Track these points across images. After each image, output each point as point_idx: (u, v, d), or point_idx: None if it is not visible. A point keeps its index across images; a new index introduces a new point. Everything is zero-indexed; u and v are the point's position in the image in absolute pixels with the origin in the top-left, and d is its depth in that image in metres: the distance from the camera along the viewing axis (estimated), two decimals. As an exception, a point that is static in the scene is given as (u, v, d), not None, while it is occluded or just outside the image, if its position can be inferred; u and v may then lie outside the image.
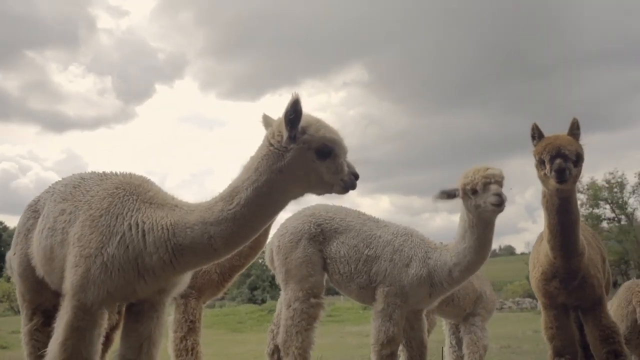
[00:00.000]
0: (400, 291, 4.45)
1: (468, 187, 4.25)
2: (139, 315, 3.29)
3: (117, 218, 3.13)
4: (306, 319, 4.69)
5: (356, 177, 3.07)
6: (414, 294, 4.49)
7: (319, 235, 4.80)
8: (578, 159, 4.58)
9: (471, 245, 4.32)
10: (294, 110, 2.88)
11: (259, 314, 29.76)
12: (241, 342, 18.45)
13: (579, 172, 4.63)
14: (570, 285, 4.88)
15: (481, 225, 4.30)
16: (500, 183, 4.23)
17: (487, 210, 4.20)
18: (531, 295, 32.87)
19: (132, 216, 3.12)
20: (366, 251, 4.62)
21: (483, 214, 4.25)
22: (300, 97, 2.86)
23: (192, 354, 5.63)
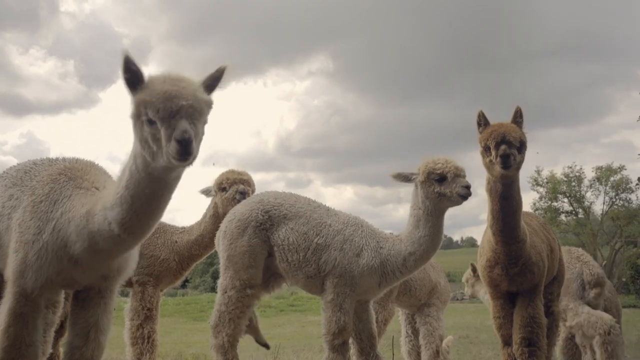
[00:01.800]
0: (350, 281, 4.45)
1: (436, 174, 4.30)
2: (85, 302, 3.26)
3: (54, 204, 3.10)
4: (240, 307, 4.70)
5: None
6: (364, 284, 4.49)
7: (267, 222, 4.73)
8: (522, 146, 4.71)
9: (427, 234, 4.38)
10: (128, 70, 2.74)
11: (221, 302, 29.59)
12: (202, 330, 18.34)
13: (522, 158, 4.75)
14: (512, 271, 4.99)
15: (437, 213, 4.37)
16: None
17: (451, 199, 4.29)
18: (491, 286, 33.34)
19: (64, 203, 3.09)
20: (316, 239, 4.58)
21: (444, 202, 4.33)
22: (129, 55, 2.72)
23: (148, 342, 5.61)
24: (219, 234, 4.98)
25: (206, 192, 5.95)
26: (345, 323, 4.45)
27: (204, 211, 5.96)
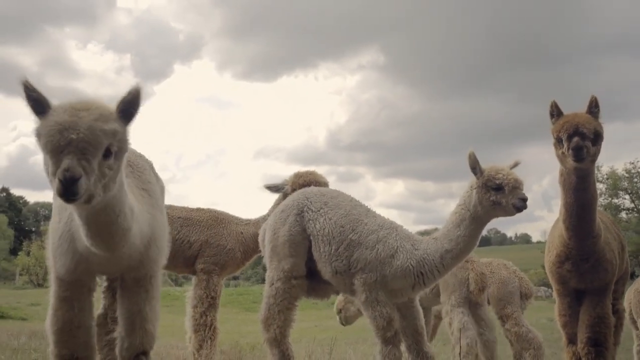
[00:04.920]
0: (381, 280, 4.43)
1: (495, 183, 4.26)
2: (125, 291, 3.32)
3: None
4: (287, 298, 4.73)
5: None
6: (395, 285, 4.46)
7: (306, 207, 4.75)
8: (596, 138, 4.55)
9: (466, 235, 4.36)
10: (29, 97, 2.62)
11: (273, 293, 29.91)
12: (255, 321, 18.52)
13: (598, 150, 4.59)
14: (583, 268, 4.86)
15: (484, 219, 4.37)
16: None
17: (505, 209, 4.27)
18: (546, 284, 32.76)
19: None
20: (351, 235, 4.56)
21: (497, 211, 4.32)
22: (29, 81, 2.58)
23: (210, 330, 5.76)
24: (265, 228, 5.05)
25: (274, 188, 6.08)
26: (389, 313, 4.43)
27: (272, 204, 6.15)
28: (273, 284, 4.76)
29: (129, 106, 2.64)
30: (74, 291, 3.18)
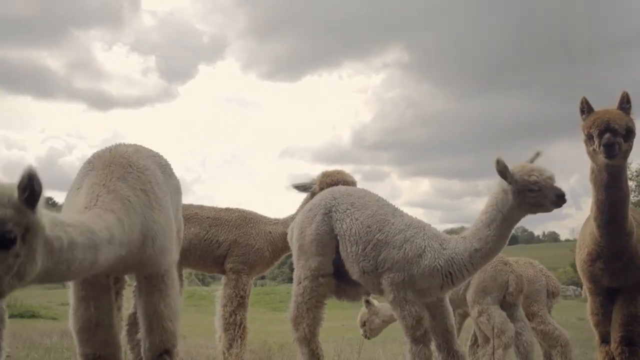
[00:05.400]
0: (409, 279, 4.42)
1: (530, 184, 4.22)
2: (141, 292, 3.34)
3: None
4: (315, 297, 4.74)
5: None
6: (422, 284, 4.44)
7: (333, 207, 4.75)
8: (628, 134, 4.46)
9: (496, 235, 4.32)
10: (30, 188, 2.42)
11: (299, 293, 29.97)
12: (282, 320, 18.57)
13: (630, 147, 4.50)
14: (615, 266, 4.78)
15: (515, 220, 4.36)
16: None
17: (544, 207, 4.26)
18: (575, 283, 32.37)
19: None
20: (378, 235, 4.54)
21: (534, 210, 4.31)
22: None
23: (239, 329, 5.81)
24: (292, 227, 5.07)
25: (302, 187, 6.11)
26: (418, 313, 4.42)
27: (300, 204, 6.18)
28: (301, 282, 4.77)
29: (28, 190, 2.39)
30: (89, 290, 3.23)
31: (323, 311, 4.83)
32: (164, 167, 3.66)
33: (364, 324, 7.86)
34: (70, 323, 3.30)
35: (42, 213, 2.47)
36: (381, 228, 4.56)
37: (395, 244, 4.47)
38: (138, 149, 3.48)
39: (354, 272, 4.64)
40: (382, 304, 7.80)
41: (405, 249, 4.44)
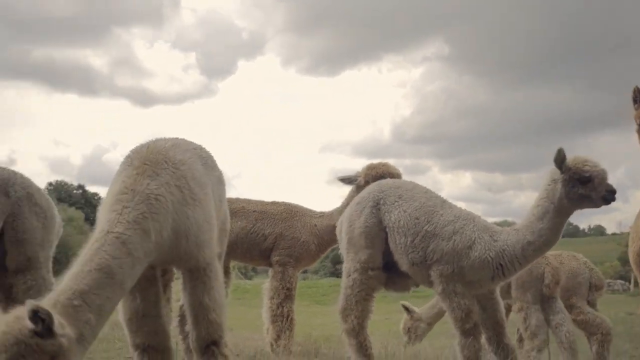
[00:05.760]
0: (459, 271, 4.39)
1: (583, 175, 4.16)
2: (184, 284, 3.37)
3: None
4: (365, 289, 4.75)
5: None
6: (472, 276, 4.40)
7: (382, 200, 4.74)
8: None
9: (549, 227, 4.26)
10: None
11: (342, 287, 29.99)
12: (325, 313, 18.68)
13: None
14: None
15: (568, 212, 4.29)
16: None
17: (593, 201, 4.20)
18: (623, 277, 31.69)
19: None
20: (426, 227, 4.52)
21: (584, 203, 4.24)
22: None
23: (287, 321, 5.87)
24: (342, 219, 5.08)
25: (347, 180, 6.13)
26: (468, 305, 4.38)
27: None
28: (350, 275, 4.79)
29: (40, 323, 2.39)
30: (136, 283, 3.19)
31: (372, 304, 4.83)
32: (205, 159, 3.65)
33: (408, 331, 7.78)
34: (120, 314, 3.38)
35: (60, 322, 2.47)
36: (430, 219, 4.54)
37: (444, 236, 4.45)
38: (176, 143, 3.48)
39: (403, 263, 4.63)
40: (422, 308, 7.78)
41: (455, 241, 4.42)
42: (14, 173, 4.58)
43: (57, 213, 4.81)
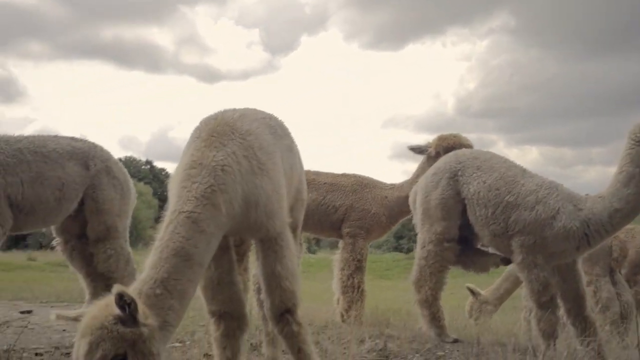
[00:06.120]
0: (541, 242, 4.29)
1: None
2: (258, 253, 3.36)
3: None
4: (439, 261, 4.75)
5: None
6: (556, 247, 4.29)
7: (459, 172, 4.69)
8: None
9: (637, 192, 4.11)
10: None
11: (405, 262, 29.94)
12: (389, 288, 18.76)
13: None
14: None
15: None
16: None
17: None
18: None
19: None
20: (507, 197, 4.44)
21: None
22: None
23: (357, 292, 5.91)
24: (415, 190, 5.05)
25: (419, 149, 6.08)
26: (546, 278, 4.30)
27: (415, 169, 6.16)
28: (425, 246, 4.79)
29: (125, 307, 2.50)
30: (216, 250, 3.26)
31: (446, 275, 4.83)
32: (274, 128, 3.60)
33: (474, 313, 7.69)
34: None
35: (144, 312, 2.56)
36: (510, 190, 4.46)
37: (526, 206, 4.37)
38: (244, 113, 3.46)
39: (484, 235, 4.60)
40: (488, 289, 7.69)
41: (537, 211, 4.32)
42: (94, 146, 4.75)
43: (132, 185, 4.97)
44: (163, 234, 2.82)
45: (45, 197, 4.31)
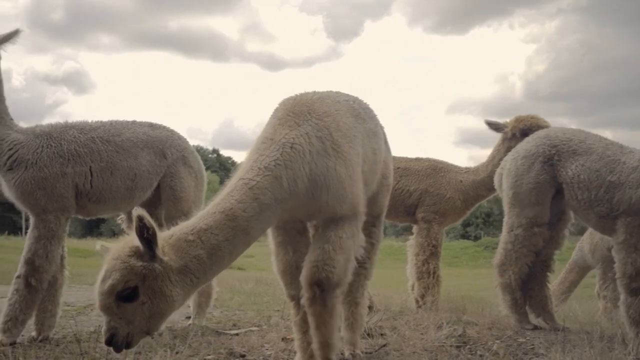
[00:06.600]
0: None
1: None
2: (318, 233, 3.26)
3: None
4: (527, 246, 4.65)
5: None
6: None
7: (554, 157, 4.56)
8: None
9: None
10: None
11: (474, 249, 29.58)
12: (457, 275, 18.57)
13: None
14: None
15: None
16: None
17: None
18: None
19: None
20: (609, 177, 4.28)
21: None
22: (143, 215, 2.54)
23: (433, 277, 5.84)
24: (501, 173, 4.92)
25: (494, 125, 5.94)
26: None
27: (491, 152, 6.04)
28: (512, 230, 4.70)
29: (143, 235, 2.56)
30: (286, 236, 3.34)
31: (532, 261, 4.71)
32: (357, 111, 3.51)
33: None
34: (274, 267, 3.44)
35: (164, 249, 2.61)
36: (612, 169, 4.31)
37: (631, 184, 4.21)
38: (325, 95, 3.42)
39: (589, 218, 4.49)
40: (553, 283, 7.46)
41: None
42: (172, 134, 4.80)
43: (205, 172, 5.04)
44: (219, 195, 2.87)
45: (115, 186, 4.38)
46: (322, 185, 3.03)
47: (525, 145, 4.83)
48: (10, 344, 3.89)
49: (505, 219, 4.80)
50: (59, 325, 4.58)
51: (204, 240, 2.70)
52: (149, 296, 2.58)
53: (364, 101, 3.73)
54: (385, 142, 3.81)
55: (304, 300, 3.08)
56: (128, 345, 2.61)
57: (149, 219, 2.52)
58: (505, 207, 4.83)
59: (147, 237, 2.54)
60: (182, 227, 2.75)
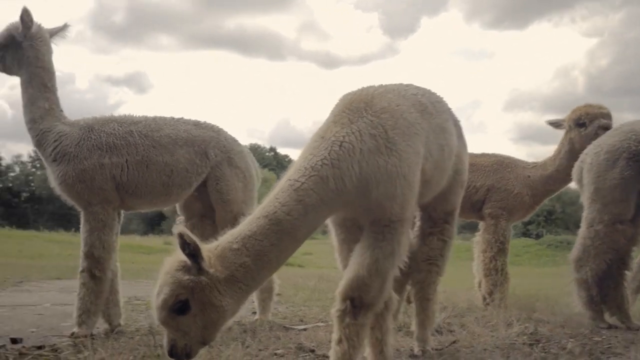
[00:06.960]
0: None
1: None
2: (364, 233, 3.11)
3: None
4: (607, 243, 4.54)
5: None
6: None
7: None
8: None
9: None
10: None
11: (536, 248, 28.92)
12: (520, 274, 18.14)
13: None
14: None
15: None
16: None
17: None
18: None
19: None
20: None
21: None
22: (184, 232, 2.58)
23: (500, 274, 5.75)
24: (581, 167, 4.81)
25: (555, 124, 5.84)
26: None
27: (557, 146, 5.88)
28: (593, 226, 4.61)
29: (187, 250, 2.57)
30: (347, 233, 3.26)
31: (610, 258, 4.60)
32: (425, 106, 3.35)
33: None
34: (338, 264, 3.39)
35: (210, 261, 2.61)
36: None
37: None
38: (388, 89, 3.28)
39: None
40: None
41: None
42: (217, 134, 4.75)
43: (256, 172, 4.99)
44: (267, 199, 2.83)
45: (151, 180, 4.41)
46: (373, 183, 2.92)
47: (609, 139, 4.71)
48: (89, 336, 4.01)
49: (585, 214, 4.69)
50: (131, 319, 4.70)
51: (248, 247, 2.68)
52: (199, 308, 2.61)
53: (437, 94, 3.61)
54: (460, 137, 3.68)
55: (333, 312, 2.94)
56: (188, 356, 2.65)
57: (189, 235, 2.55)
58: (585, 202, 4.72)
59: (190, 252, 2.57)
60: (227, 236, 2.74)
